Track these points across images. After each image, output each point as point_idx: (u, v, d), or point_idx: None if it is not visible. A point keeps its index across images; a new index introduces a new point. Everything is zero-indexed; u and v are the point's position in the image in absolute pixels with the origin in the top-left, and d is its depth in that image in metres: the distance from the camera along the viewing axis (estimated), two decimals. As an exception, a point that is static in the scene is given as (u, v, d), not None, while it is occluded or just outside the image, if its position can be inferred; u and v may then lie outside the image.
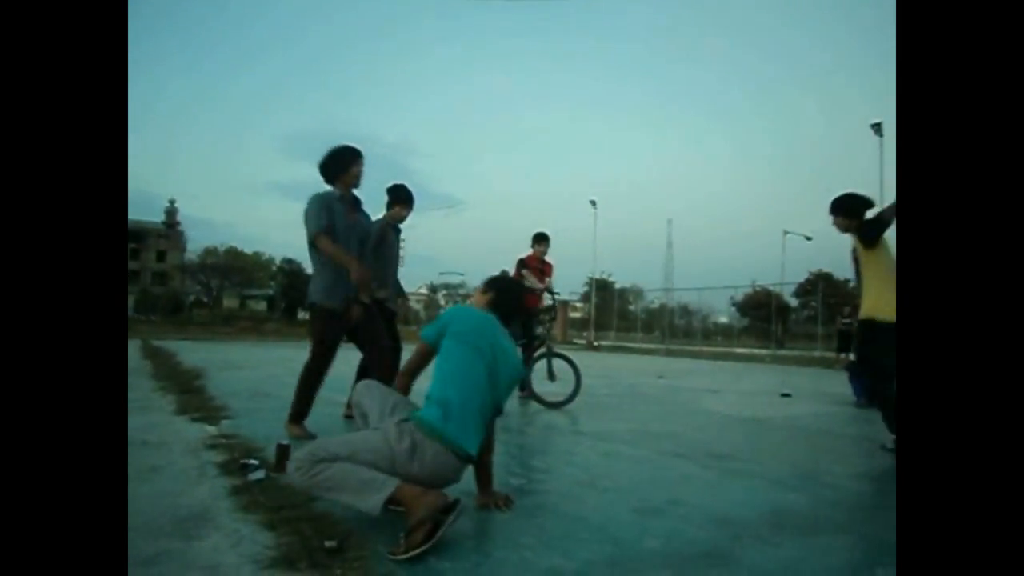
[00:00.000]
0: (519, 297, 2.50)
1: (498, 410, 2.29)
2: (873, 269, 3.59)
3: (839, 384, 7.11)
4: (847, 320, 12.91)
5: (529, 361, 5.51)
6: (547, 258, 6.17)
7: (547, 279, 6.15)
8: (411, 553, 1.73)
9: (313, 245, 3.41)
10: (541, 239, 6.12)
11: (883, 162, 19.68)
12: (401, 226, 4.53)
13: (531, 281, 5.91)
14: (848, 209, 3.76)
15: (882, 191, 19.28)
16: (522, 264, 6.04)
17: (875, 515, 2.38)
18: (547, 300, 6.17)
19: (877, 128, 20.32)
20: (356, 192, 3.68)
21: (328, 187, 3.55)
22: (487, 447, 2.27)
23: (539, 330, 5.96)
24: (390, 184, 4.41)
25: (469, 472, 2.23)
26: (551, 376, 5.54)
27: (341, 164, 3.54)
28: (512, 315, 2.42)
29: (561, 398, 5.32)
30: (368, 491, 1.89)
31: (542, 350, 5.73)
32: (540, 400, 5.32)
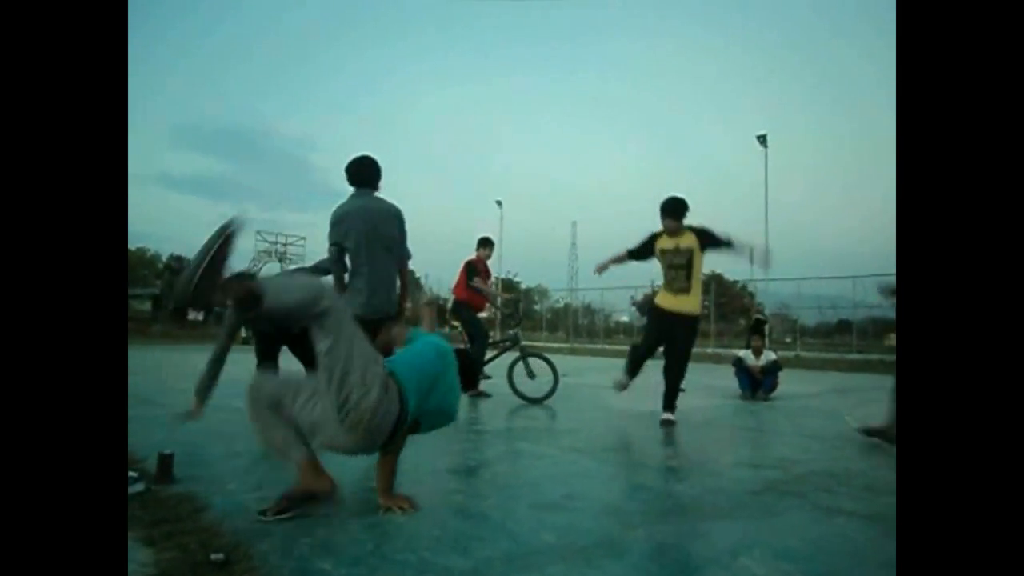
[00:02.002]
0: (472, 375, 2.72)
1: (415, 426, 2.30)
2: (698, 273, 4.48)
3: (727, 378, 7.58)
4: (759, 315, 13.59)
5: (482, 355, 5.89)
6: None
7: (489, 282, 6.35)
8: (268, 518, 2.04)
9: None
10: (488, 243, 6.34)
11: (767, 170, 21.21)
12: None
13: (483, 289, 6.19)
14: (678, 211, 4.50)
15: (767, 199, 20.80)
16: (472, 268, 6.13)
17: (755, 499, 2.57)
18: (498, 305, 6.53)
19: (762, 139, 21.87)
20: None
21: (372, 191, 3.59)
22: (395, 448, 2.26)
23: (510, 332, 6.45)
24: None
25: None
26: (531, 374, 5.95)
27: (379, 172, 3.62)
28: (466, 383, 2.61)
29: (540, 394, 5.71)
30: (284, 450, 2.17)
31: (517, 352, 6.09)
32: (523, 396, 5.68)
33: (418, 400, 2.20)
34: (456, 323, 6.31)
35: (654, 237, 4.73)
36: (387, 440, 2.18)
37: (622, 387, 4.91)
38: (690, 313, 4.56)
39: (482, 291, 6.16)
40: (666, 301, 4.63)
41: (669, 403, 4.65)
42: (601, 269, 4.96)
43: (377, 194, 3.61)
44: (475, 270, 6.08)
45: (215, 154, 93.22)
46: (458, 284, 6.15)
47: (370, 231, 3.46)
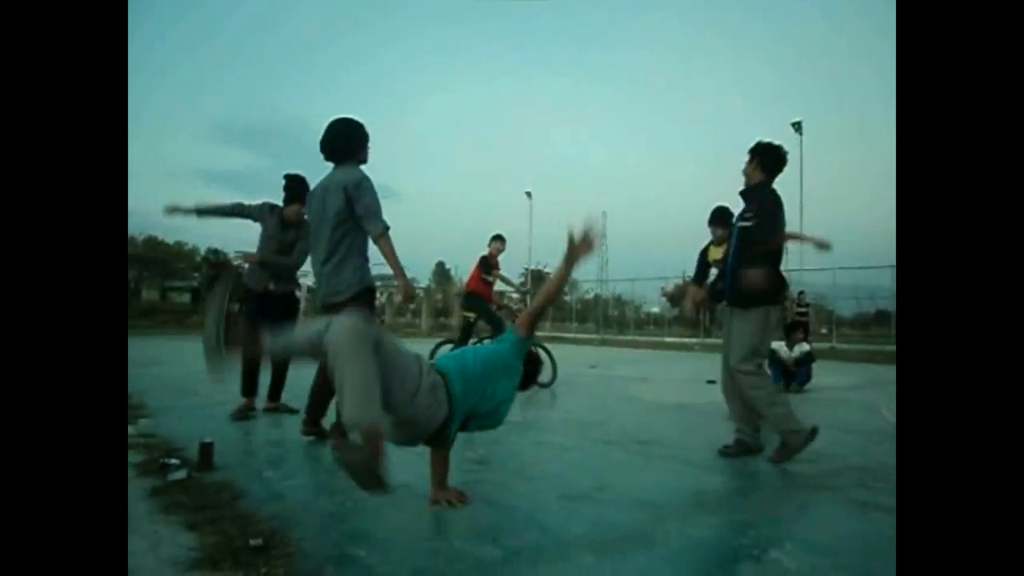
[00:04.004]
0: (535, 374, 2.61)
1: (465, 424, 2.26)
2: None
3: (759, 370, 7.47)
4: (803, 308, 13.36)
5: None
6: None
7: (496, 273, 6.77)
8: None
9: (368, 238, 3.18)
10: (500, 239, 6.72)
11: (802, 159, 20.74)
12: None
13: (501, 278, 6.76)
14: (725, 219, 4.56)
15: (802, 187, 20.35)
16: (488, 263, 6.57)
17: (787, 493, 2.54)
18: (512, 295, 6.88)
19: (797, 127, 21.38)
20: None
21: (347, 167, 3.19)
22: (446, 443, 2.26)
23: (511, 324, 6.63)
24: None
25: (415, 467, 2.22)
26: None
27: (357, 140, 3.24)
28: (527, 384, 2.51)
29: (546, 380, 6.09)
30: (349, 407, 1.76)
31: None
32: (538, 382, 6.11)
33: (467, 406, 2.16)
34: (469, 314, 6.66)
35: (704, 252, 4.86)
36: (432, 437, 2.13)
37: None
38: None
39: (503, 279, 6.77)
40: None
41: None
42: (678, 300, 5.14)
43: (350, 165, 3.20)
44: (490, 264, 6.56)
45: (252, 149, 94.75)
46: (472, 277, 6.62)
47: (318, 212, 3.19)
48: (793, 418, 3.11)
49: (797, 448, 3.08)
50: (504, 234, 6.85)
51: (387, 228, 3.10)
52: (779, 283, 3.31)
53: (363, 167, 3.25)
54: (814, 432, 3.08)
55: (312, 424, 3.32)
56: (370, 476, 1.73)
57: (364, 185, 3.10)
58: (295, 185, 4.10)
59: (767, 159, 3.41)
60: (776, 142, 3.49)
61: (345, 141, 3.21)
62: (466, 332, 6.50)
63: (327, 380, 3.28)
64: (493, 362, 2.25)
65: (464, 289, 6.74)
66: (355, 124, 3.25)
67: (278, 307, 4.08)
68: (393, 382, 1.92)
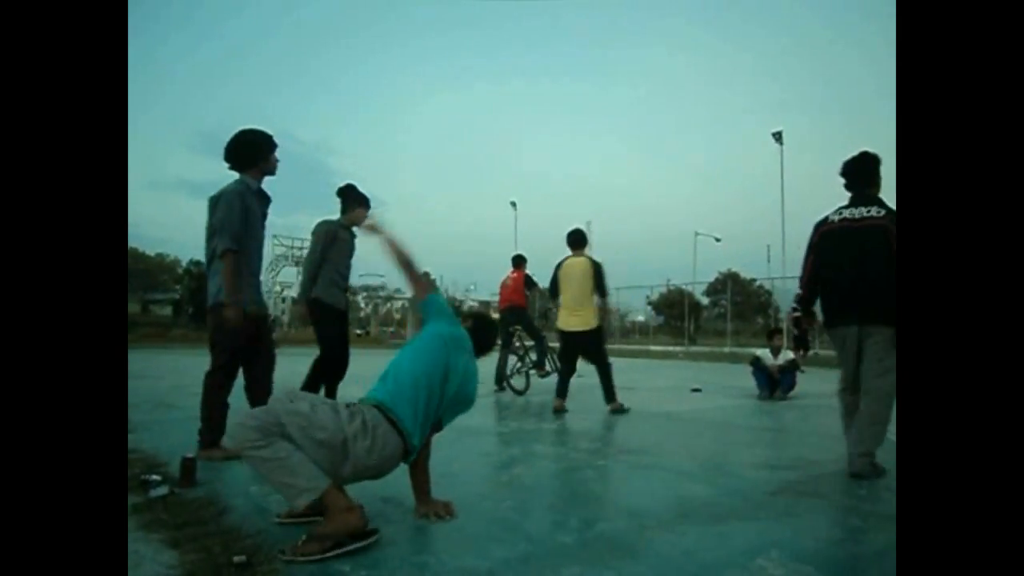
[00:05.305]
0: (494, 335, 2.60)
1: (438, 424, 2.27)
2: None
3: (744, 378, 7.53)
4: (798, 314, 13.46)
5: (545, 352, 7.06)
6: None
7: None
8: (299, 559, 1.75)
9: (219, 252, 3.08)
10: (525, 260, 7.46)
11: (783, 167, 21.07)
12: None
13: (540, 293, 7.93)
14: (581, 242, 5.64)
15: (783, 194, 20.63)
16: (531, 281, 7.36)
17: (772, 500, 2.56)
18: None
19: (778, 136, 21.74)
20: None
21: (237, 176, 3.22)
22: (424, 455, 2.24)
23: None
24: (343, 185, 4.16)
25: (401, 480, 2.20)
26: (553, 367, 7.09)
27: (259, 150, 3.25)
28: (483, 350, 2.48)
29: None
30: (294, 489, 1.87)
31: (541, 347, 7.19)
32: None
33: (422, 415, 2.12)
34: (517, 326, 7.16)
35: None
36: (404, 454, 2.11)
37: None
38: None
39: (542, 293, 7.70)
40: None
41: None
42: None
43: (249, 175, 3.25)
44: (532, 281, 7.38)
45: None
46: (517, 291, 7.25)
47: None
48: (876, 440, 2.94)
49: (863, 475, 2.88)
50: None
51: (230, 249, 3.04)
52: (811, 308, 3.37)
53: (269, 177, 3.33)
54: (881, 473, 2.89)
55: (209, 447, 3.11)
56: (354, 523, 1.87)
57: (223, 200, 3.12)
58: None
59: (843, 171, 2.99)
60: (864, 151, 2.95)
61: (238, 152, 3.24)
62: (507, 340, 6.99)
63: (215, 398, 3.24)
64: (428, 345, 2.23)
65: (510, 304, 7.28)
66: (253, 135, 3.27)
67: None
68: (317, 450, 1.91)
